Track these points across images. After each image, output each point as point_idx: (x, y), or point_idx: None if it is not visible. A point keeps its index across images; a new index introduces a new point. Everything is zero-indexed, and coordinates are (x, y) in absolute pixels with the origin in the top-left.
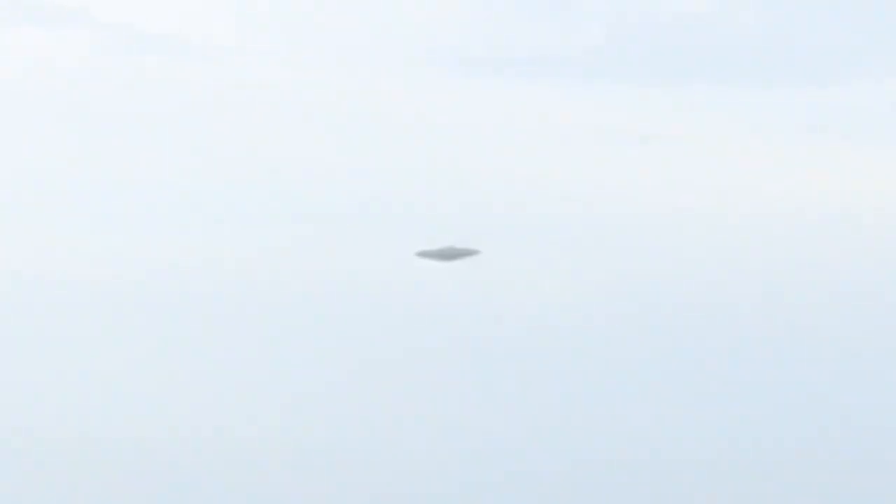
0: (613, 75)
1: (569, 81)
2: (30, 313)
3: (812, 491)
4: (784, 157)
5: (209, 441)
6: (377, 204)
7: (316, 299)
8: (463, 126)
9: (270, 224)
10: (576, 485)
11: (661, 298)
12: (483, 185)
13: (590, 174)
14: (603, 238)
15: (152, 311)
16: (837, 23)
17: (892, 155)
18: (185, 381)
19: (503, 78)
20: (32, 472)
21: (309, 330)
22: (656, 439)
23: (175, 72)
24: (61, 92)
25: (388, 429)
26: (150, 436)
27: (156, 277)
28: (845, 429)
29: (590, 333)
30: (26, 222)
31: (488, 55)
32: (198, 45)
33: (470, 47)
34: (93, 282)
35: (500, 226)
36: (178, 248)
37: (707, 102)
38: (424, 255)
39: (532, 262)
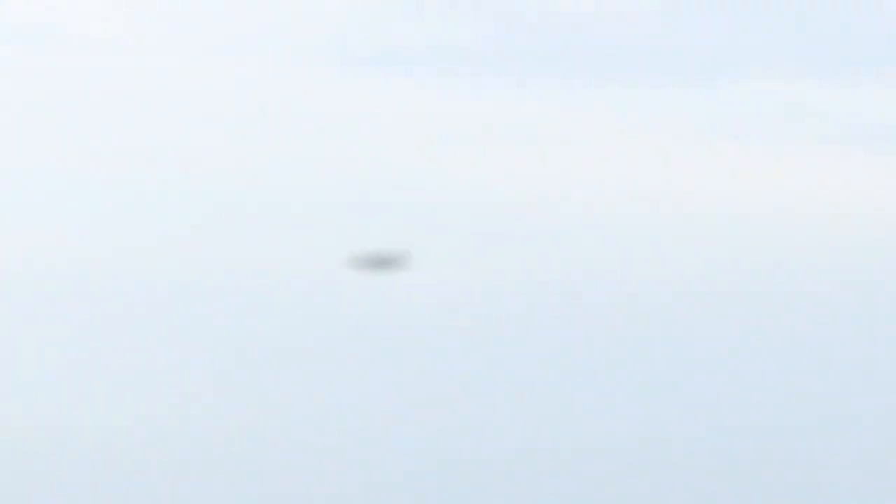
0: (501, 72)
1: (457, 77)
2: None
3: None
4: (668, 156)
5: (93, 435)
6: (268, 199)
7: (197, 293)
8: (347, 122)
9: (161, 220)
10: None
11: (557, 294)
12: (375, 183)
13: (477, 171)
14: (491, 234)
15: (44, 304)
16: (725, 25)
17: (775, 156)
18: (82, 377)
19: (389, 73)
20: None
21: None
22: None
23: (57, 64)
24: None
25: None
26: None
27: (41, 273)
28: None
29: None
30: None
31: (376, 50)
32: (76, 36)
33: (360, 42)
34: None
35: (395, 225)
36: (65, 246)
37: (593, 102)
38: (353, 262)
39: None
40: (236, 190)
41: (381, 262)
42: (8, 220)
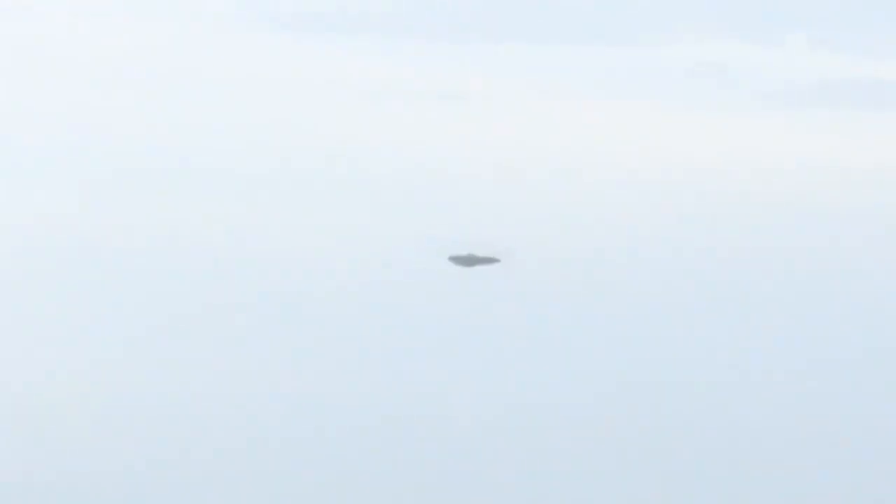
0: (419, 32)
1: (364, 38)
2: None
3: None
4: (581, 116)
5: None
6: (174, 160)
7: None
8: (266, 82)
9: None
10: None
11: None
12: (291, 144)
13: (396, 133)
14: (406, 198)
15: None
16: None
17: (690, 117)
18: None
19: (306, 34)
20: None
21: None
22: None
23: None
24: None
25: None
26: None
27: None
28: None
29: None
30: None
31: (293, 11)
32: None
33: (270, 4)
34: None
35: (306, 183)
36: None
37: (508, 60)
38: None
39: (328, 226)
40: (150, 151)
41: None
42: None
